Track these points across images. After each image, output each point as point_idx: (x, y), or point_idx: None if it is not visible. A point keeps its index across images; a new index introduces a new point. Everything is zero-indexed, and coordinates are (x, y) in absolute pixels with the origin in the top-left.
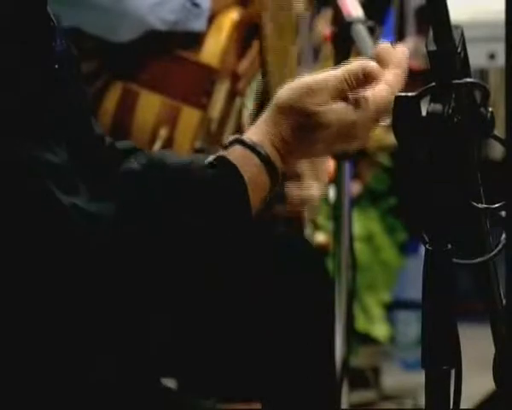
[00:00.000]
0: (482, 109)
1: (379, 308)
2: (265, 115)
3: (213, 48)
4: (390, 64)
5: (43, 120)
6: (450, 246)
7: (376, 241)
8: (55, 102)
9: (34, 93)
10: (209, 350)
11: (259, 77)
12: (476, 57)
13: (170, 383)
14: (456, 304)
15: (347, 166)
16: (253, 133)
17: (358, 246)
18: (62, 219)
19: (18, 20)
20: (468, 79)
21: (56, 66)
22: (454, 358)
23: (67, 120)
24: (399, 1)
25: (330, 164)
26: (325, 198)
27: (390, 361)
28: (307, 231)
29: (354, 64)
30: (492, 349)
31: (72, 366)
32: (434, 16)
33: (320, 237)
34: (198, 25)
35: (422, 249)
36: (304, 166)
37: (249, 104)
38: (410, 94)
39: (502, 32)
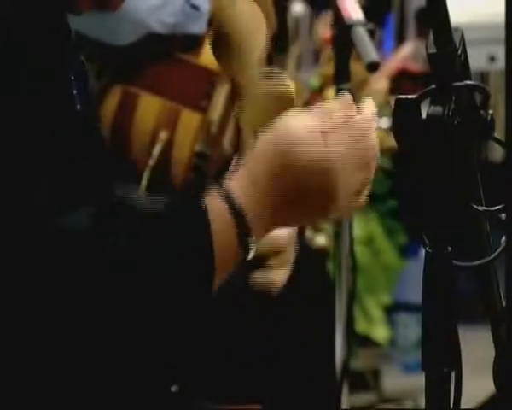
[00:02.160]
0: (482, 112)
1: (379, 311)
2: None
3: None
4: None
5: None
6: (450, 248)
7: (376, 243)
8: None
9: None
10: (208, 351)
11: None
12: (476, 60)
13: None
14: (456, 306)
15: None
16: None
17: (358, 248)
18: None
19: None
20: (468, 82)
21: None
22: (454, 360)
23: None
24: (399, 4)
25: None
26: None
27: (390, 364)
28: (307, 233)
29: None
30: (492, 352)
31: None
32: (434, 19)
33: (320, 240)
34: (197, 27)
35: (422, 252)
36: (268, 247)
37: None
38: (410, 96)
39: (502, 34)
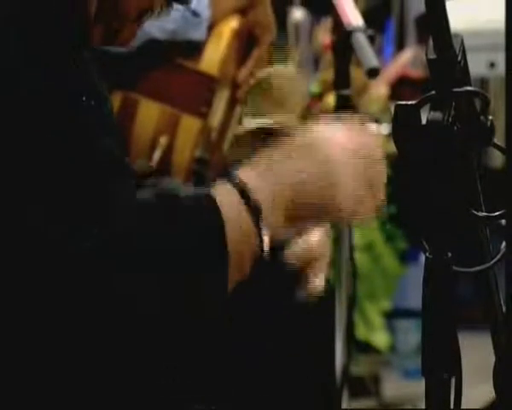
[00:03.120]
0: (482, 118)
1: (379, 317)
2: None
3: (213, 56)
4: None
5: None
6: (450, 254)
7: (376, 249)
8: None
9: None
10: (206, 356)
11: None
12: (476, 66)
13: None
14: (456, 312)
15: None
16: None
17: (358, 254)
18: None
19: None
20: (468, 88)
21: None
22: (454, 366)
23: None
24: (399, 10)
25: None
26: None
27: (390, 370)
28: None
29: None
30: (492, 357)
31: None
32: (434, 25)
33: None
34: (198, 34)
35: (422, 258)
36: (303, 258)
37: (249, 112)
38: (410, 102)
39: (502, 40)
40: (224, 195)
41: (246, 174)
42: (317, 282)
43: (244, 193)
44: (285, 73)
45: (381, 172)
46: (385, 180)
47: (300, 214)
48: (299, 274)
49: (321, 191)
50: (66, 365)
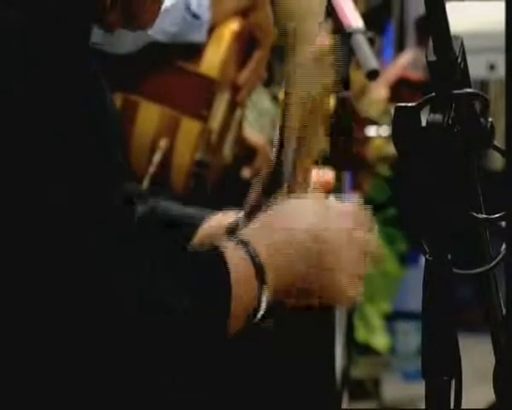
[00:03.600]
0: (482, 120)
1: (379, 319)
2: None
3: (213, 59)
4: None
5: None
6: (450, 256)
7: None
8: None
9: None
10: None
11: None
12: (476, 68)
13: None
14: (456, 314)
15: (347, 177)
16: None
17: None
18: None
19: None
20: (468, 90)
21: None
22: (454, 368)
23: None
24: (399, 12)
25: (330, 174)
26: None
27: (390, 372)
28: None
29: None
30: (492, 359)
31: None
32: (434, 27)
33: None
34: (198, 36)
35: (422, 260)
36: None
37: (249, 115)
38: (409, 104)
39: (502, 42)
40: (233, 256)
41: (251, 236)
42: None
43: (250, 253)
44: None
45: (373, 249)
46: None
47: (299, 293)
48: None
49: (319, 276)
50: (63, 366)
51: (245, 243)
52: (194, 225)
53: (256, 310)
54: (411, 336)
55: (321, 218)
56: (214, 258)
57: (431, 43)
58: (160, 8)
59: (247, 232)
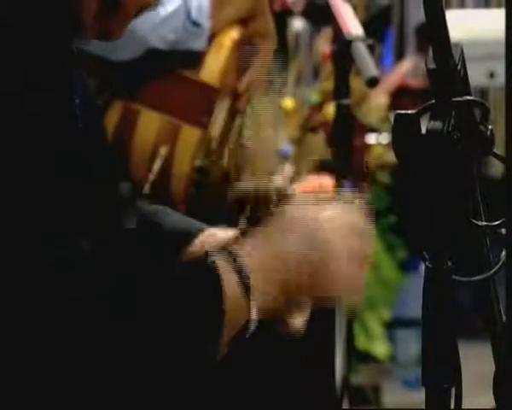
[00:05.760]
0: (482, 127)
1: (379, 326)
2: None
3: (213, 66)
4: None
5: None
6: (450, 263)
7: (376, 259)
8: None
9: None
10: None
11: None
12: (476, 76)
13: None
14: (456, 322)
15: (347, 184)
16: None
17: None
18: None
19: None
20: (468, 97)
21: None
22: (454, 376)
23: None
24: (399, 19)
25: (330, 182)
26: None
27: (390, 379)
28: None
29: None
30: (493, 367)
31: None
32: (434, 34)
33: None
34: (198, 44)
35: (422, 267)
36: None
37: (249, 123)
38: (409, 111)
39: (502, 50)
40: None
41: (242, 249)
42: (297, 321)
43: (238, 268)
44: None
45: (370, 248)
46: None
47: (294, 290)
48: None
49: (315, 268)
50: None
51: (234, 258)
52: (187, 240)
53: (248, 323)
54: (411, 344)
55: (316, 226)
56: (206, 275)
57: (431, 51)
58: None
59: (239, 247)
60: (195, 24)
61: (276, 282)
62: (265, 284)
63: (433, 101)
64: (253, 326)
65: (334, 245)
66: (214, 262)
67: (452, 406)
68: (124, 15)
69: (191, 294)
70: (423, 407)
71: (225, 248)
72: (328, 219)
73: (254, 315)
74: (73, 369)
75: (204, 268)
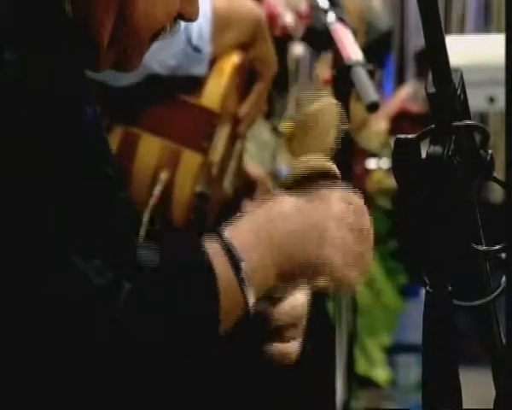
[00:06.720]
0: (482, 152)
1: (379, 352)
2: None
3: (214, 91)
4: None
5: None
6: (450, 288)
7: (377, 284)
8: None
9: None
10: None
11: (259, 120)
12: (476, 101)
13: None
14: (456, 347)
15: None
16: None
17: (359, 289)
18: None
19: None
20: (468, 121)
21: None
22: (455, 401)
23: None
24: (399, 44)
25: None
26: None
27: (391, 405)
28: None
29: None
30: (493, 391)
31: None
32: (434, 60)
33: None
34: (199, 69)
35: (423, 293)
36: (288, 319)
37: (249, 147)
38: (409, 136)
39: (502, 75)
40: (213, 255)
41: (236, 232)
42: (290, 348)
43: (230, 252)
44: (327, 106)
45: (370, 235)
46: (372, 244)
47: (292, 272)
48: (277, 335)
49: (313, 250)
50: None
51: (228, 247)
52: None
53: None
54: (412, 369)
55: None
56: (200, 265)
57: (431, 76)
58: (147, 50)
59: (232, 232)
60: (196, 49)
61: (274, 262)
62: (263, 266)
63: (433, 125)
64: (251, 307)
65: (335, 229)
66: (205, 247)
67: None
68: (138, 42)
69: (185, 282)
70: None
71: (218, 232)
72: (328, 203)
73: (252, 298)
74: (77, 368)
75: (196, 252)
